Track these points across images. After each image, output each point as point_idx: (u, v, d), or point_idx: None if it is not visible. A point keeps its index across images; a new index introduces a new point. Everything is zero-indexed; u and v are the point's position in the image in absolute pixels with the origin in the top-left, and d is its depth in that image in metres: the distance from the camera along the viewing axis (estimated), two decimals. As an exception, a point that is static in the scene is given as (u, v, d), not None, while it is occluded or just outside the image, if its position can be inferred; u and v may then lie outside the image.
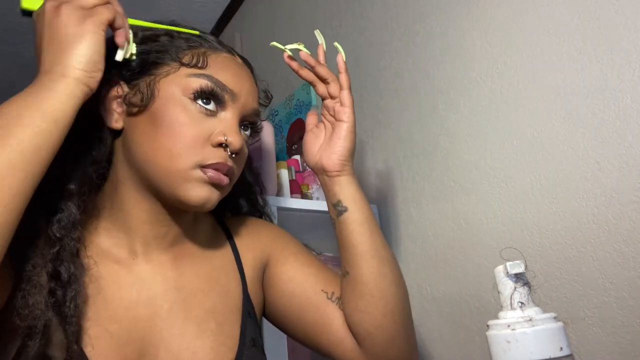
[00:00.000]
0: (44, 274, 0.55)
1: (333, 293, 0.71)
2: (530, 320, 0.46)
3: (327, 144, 0.71)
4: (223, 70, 0.64)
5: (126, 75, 0.63)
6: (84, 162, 0.60)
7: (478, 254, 1.00)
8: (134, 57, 0.62)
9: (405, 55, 1.21)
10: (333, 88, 0.71)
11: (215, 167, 0.60)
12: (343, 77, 0.71)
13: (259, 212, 0.82)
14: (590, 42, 0.84)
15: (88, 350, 0.55)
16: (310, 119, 0.76)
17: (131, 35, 0.60)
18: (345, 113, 0.69)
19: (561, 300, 0.85)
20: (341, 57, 0.72)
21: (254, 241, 0.75)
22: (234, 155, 0.62)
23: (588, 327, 0.81)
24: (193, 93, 0.61)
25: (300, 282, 0.72)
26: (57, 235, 0.56)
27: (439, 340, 1.08)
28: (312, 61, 0.70)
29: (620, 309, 0.78)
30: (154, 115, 0.61)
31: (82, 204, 0.59)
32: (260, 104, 0.71)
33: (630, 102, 0.78)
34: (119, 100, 0.63)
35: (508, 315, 0.49)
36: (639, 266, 0.76)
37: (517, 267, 0.50)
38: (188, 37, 0.65)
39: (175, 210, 0.65)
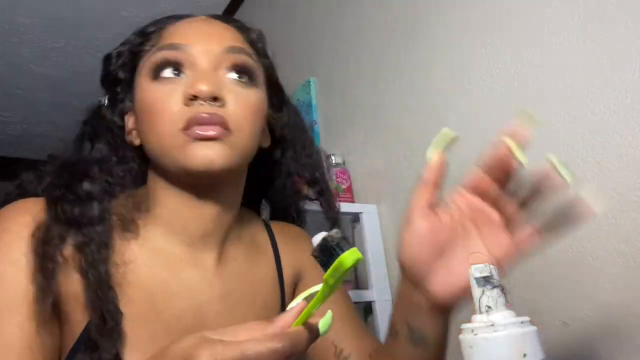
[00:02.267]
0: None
1: (342, 351, 0.66)
2: (492, 325, 0.45)
3: (454, 259, 0.52)
4: (174, 32, 0.61)
5: (125, 94, 0.64)
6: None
7: (478, 253, 1.00)
8: None
9: (405, 55, 1.21)
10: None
11: (194, 122, 0.56)
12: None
13: (330, 218, 0.73)
14: (590, 42, 0.84)
15: None
16: (424, 195, 0.52)
17: None
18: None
19: (561, 300, 0.85)
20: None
21: (296, 255, 0.71)
22: (213, 102, 0.56)
23: (588, 327, 0.81)
24: (152, 71, 0.59)
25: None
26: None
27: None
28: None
29: (620, 309, 0.78)
30: (139, 111, 0.61)
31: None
32: (254, 48, 0.64)
33: (630, 102, 0.78)
34: (127, 117, 0.64)
35: (475, 320, 0.49)
36: (639, 266, 0.76)
37: (483, 270, 0.49)
38: (151, 32, 0.63)
39: (218, 205, 0.62)
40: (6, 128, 2.73)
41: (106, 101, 0.65)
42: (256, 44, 0.66)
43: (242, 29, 0.66)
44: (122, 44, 0.65)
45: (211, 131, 0.55)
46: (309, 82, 1.53)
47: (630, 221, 0.77)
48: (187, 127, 0.56)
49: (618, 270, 0.78)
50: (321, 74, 1.52)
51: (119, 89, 0.64)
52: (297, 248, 0.72)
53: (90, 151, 0.63)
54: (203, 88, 0.56)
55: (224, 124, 0.56)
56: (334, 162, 1.34)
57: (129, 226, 0.60)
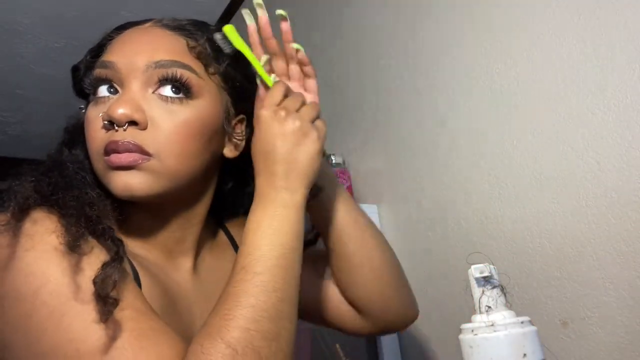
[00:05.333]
0: None
1: (324, 271, 0.74)
2: (492, 325, 0.45)
3: None
4: (111, 47, 0.60)
5: None
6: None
7: (478, 254, 1.00)
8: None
9: (405, 55, 1.21)
10: (281, 65, 0.68)
11: (110, 149, 0.55)
12: (309, 69, 0.70)
13: None
14: (590, 42, 0.84)
15: None
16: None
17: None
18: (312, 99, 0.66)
19: (561, 300, 0.85)
20: (302, 52, 0.69)
21: None
22: (132, 126, 0.55)
23: (588, 327, 0.81)
24: (91, 88, 0.59)
25: None
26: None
27: (440, 341, 1.08)
28: (268, 32, 0.68)
29: (620, 309, 0.78)
30: None
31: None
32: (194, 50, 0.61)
33: (630, 102, 0.78)
34: None
35: (475, 320, 0.49)
36: (639, 266, 0.76)
37: (483, 270, 0.50)
38: (102, 44, 0.63)
39: (179, 216, 0.63)
40: (6, 128, 2.73)
41: (84, 108, 0.65)
42: (205, 51, 0.62)
43: (191, 36, 0.62)
44: (86, 53, 0.65)
45: (126, 159, 0.54)
46: (309, 82, 1.53)
47: (630, 221, 0.77)
48: (106, 154, 0.55)
49: (618, 270, 0.78)
50: (321, 74, 1.52)
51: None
52: None
53: (68, 156, 0.62)
54: (116, 113, 0.54)
55: (141, 150, 0.55)
56: (334, 162, 1.34)
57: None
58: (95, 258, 0.49)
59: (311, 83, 0.68)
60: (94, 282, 0.46)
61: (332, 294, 0.73)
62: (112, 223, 0.56)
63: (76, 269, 0.47)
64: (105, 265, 0.47)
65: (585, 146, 0.84)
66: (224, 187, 0.71)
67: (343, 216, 0.69)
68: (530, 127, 0.92)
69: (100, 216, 0.53)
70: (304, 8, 1.60)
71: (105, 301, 0.45)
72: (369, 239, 0.71)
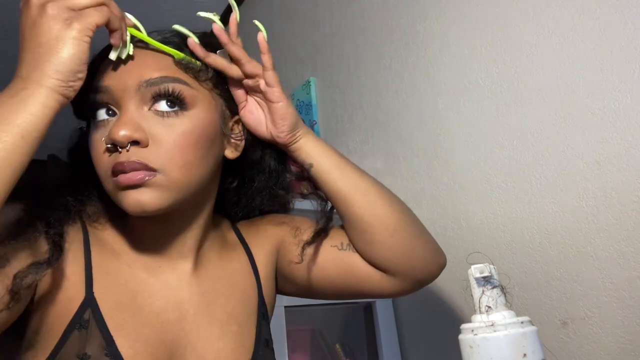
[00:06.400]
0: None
1: (342, 243, 0.74)
2: (492, 325, 0.45)
3: (272, 124, 0.68)
4: (101, 70, 0.60)
5: None
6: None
7: (478, 253, 1.00)
8: (130, 54, 0.59)
9: (405, 55, 1.21)
10: (249, 68, 0.65)
11: (117, 170, 0.56)
12: (266, 58, 0.66)
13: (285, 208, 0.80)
14: (590, 42, 0.84)
15: (127, 352, 0.57)
16: (239, 94, 0.68)
17: (128, 37, 0.58)
18: (275, 93, 0.66)
19: (561, 300, 0.85)
20: (262, 35, 0.66)
21: (262, 237, 0.76)
22: (127, 149, 0.56)
23: (588, 327, 0.81)
24: (90, 112, 0.60)
25: (310, 253, 0.73)
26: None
27: (440, 341, 1.08)
28: (225, 38, 0.64)
29: (620, 309, 0.78)
30: None
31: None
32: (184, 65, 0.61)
33: (630, 102, 0.78)
34: None
35: (475, 320, 0.49)
36: (639, 266, 0.76)
37: (483, 270, 0.50)
38: (95, 68, 0.61)
39: (182, 223, 0.65)
40: (6, 128, 2.73)
41: (85, 128, 0.66)
42: (191, 61, 0.62)
43: (177, 49, 0.62)
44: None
45: (133, 178, 0.56)
46: (309, 82, 1.53)
47: (630, 221, 0.77)
48: (113, 175, 0.57)
49: (618, 270, 0.78)
50: (321, 74, 1.52)
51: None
52: (259, 229, 0.76)
53: (81, 171, 0.64)
54: (117, 135, 0.55)
55: (146, 167, 0.56)
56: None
57: (103, 232, 0.64)
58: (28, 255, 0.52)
59: (269, 76, 0.66)
60: (15, 276, 0.49)
61: (357, 262, 0.73)
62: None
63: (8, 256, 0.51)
64: (32, 265, 0.51)
65: (585, 146, 0.84)
66: (229, 187, 0.73)
67: (342, 184, 0.70)
68: (530, 127, 0.92)
69: (62, 223, 0.57)
70: (304, 8, 1.61)
71: (13, 297, 0.49)
72: (375, 198, 0.70)
